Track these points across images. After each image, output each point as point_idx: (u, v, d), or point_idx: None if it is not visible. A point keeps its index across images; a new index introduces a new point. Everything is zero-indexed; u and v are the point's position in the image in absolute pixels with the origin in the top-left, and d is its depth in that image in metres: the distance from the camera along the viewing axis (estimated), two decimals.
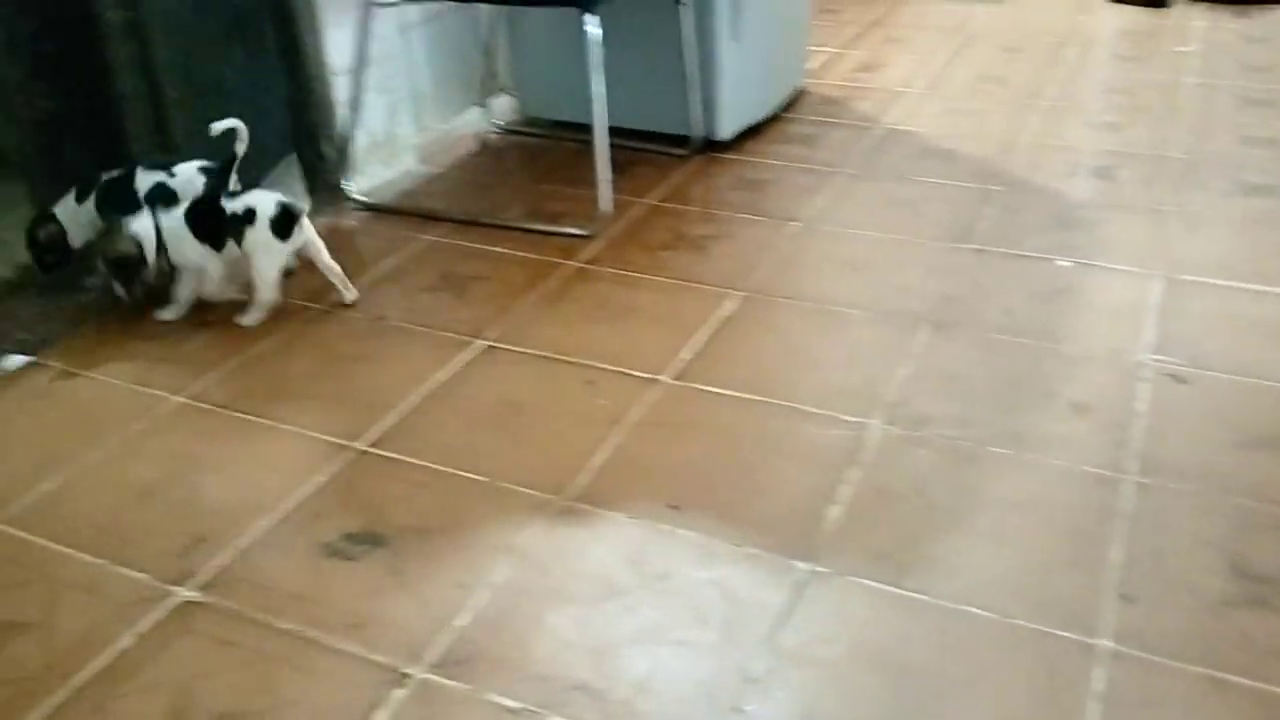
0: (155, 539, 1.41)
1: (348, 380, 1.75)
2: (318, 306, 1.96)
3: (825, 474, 1.50)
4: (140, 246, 1.83)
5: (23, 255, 2.04)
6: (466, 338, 1.85)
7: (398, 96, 2.49)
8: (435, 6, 2.59)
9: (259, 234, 1.85)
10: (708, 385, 1.71)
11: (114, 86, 1.93)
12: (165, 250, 1.86)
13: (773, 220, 2.27)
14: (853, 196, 2.37)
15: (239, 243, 1.86)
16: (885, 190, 2.40)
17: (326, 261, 1.94)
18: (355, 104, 2.32)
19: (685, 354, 1.79)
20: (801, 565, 1.34)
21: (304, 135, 2.30)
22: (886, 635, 1.25)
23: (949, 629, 1.25)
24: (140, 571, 1.35)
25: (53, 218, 1.92)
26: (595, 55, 2.14)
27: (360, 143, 2.38)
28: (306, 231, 1.91)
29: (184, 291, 1.91)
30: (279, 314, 1.93)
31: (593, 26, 2.13)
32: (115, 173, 1.95)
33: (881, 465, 1.52)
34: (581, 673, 1.20)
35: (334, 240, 2.22)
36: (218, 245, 1.87)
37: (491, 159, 2.65)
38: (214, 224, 1.86)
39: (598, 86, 2.17)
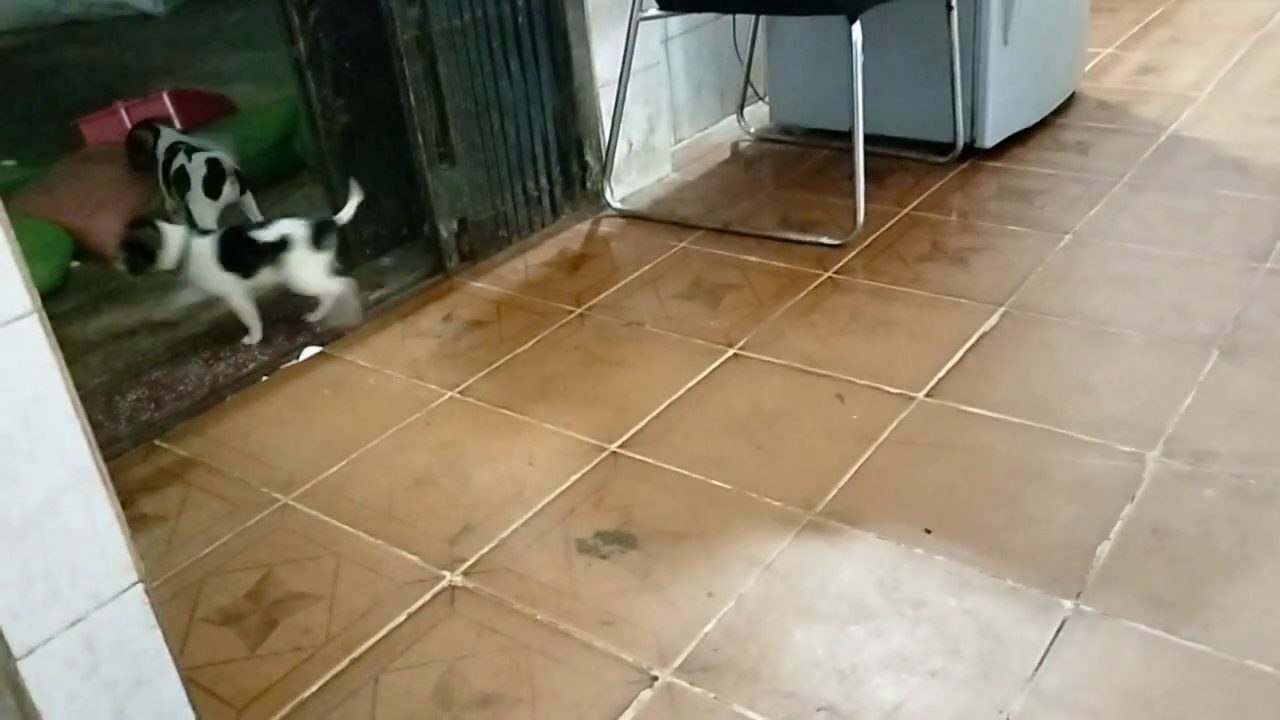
0: (428, 524, 1.51)
1: (603, 383, 1.81)
2: (576, 310, 2.04)
3: (1096, 508, 1.41)
4: (160, 242, 1.93)
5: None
6: (718, 345, 1.87)
7: (657, 106, 2.55)
8: (695, 17, 2.63)
9: (298, 255, 1.97)
10: (966, 405, 1.65)
11: (403, 100, 2.08)
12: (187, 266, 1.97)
13: (1040, 232, 2.16)
14: (1131, 209, 2.22)
15: (276, 268, 1.97)
16: (1168, 203, 2.23)
17: None
18: (617, 114, 2.39)
19: (942, 371, 1.73)
20: (1066, 603, 1.27)
21: (570, 144, 2.39)
22: (1159, 686, 1.16)
23: (1232, 685, 1.15)
24: (414, 554, 1.46)
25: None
26: (857, 63, 2.11)
27: (620, 151, 2.46)
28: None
29: (238, 307, 2.02)
30: (542, 316, 2.03)
31: (857, 34, 2.10)
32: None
33: (1159, 502, 1.41)
34: (828, 694, 1.18)
35: (592, 246, 2.31)
36: (246, 274, 1.98)
37: (745, 167, 2.66)
38: (243, 254, 1.97)
39: (858, 95, 2.13)
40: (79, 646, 0.99)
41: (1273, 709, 1.12)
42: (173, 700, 1.08)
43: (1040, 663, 1.20)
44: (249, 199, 2.36)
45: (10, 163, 2.75)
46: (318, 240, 1.99)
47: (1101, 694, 1.15)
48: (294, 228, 1.98)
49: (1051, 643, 1.22)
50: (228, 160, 2.32)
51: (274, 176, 2.66)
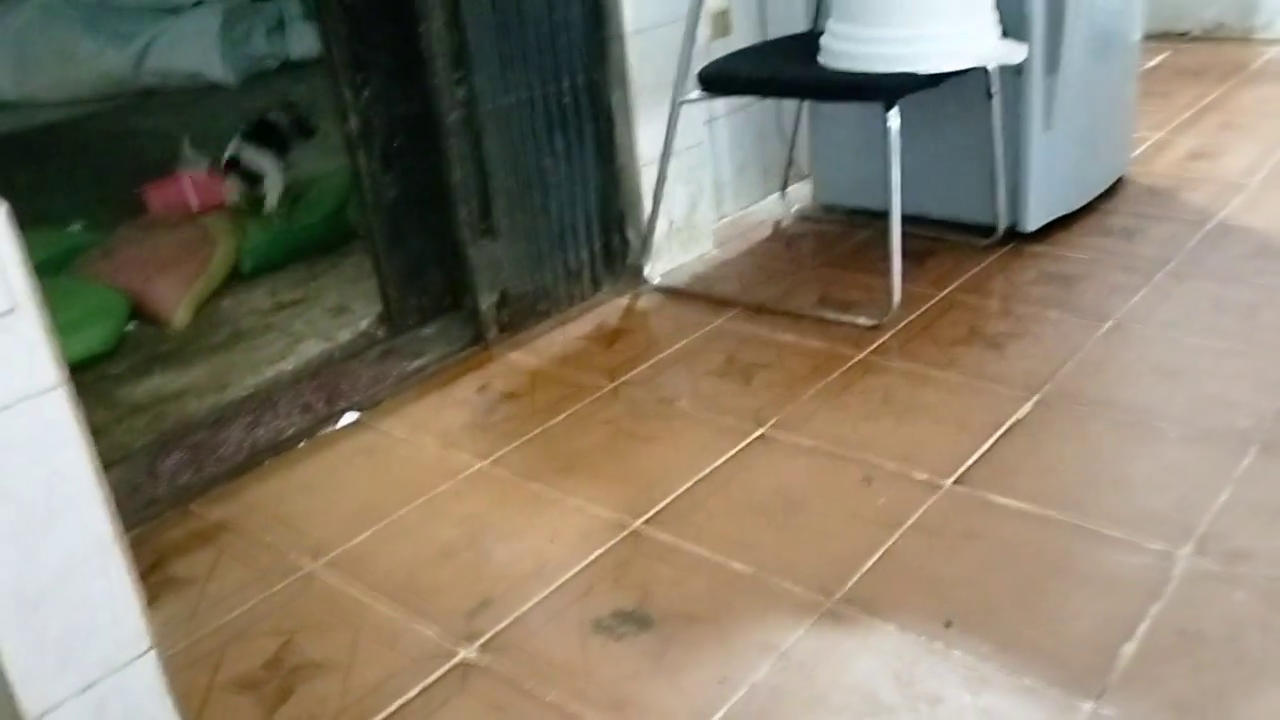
0: (447, 597, 1.52)
1: (631, 459, 1.82)
2: (610, 384, 2.06)
3: (1121, 606, 1.38)
4: None
5: (367, 322, 2.31)
6: (747, 425, 1.87)
7: (699, 185, 2.59)
8: (741, 98, 2.68)
9: None
10: (994, 494, 1.63)
11: (449, 176, 2.14)
12: None
13: (1080, 319, 2.14)
14: (1175, 297, 2.19)
15: None
16: (1213, 291, 2.19)
17: None
18: (659, 192, 2.43)
19: (971, 458, 1.72)
20: (1086, 705, 1.24)
21: (612, 220, 2.43)
22: None
23: None
24: (431, 628, 1.47)
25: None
26: (894, 148, 2.13)
27: (661, 228, 2.49)
28: None
29: None
30: (576, 389, 2.05)
31: (893, 120, 2.12)
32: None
33: (1188, 603, 1.37)
34: None
35: (629, 321, 2.33)
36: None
37: (786, 245, 2.68)
38: None
39: (895, 179, 2.15)
40: (90, 712, 1.02)
41: None
42: None
43: None
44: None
45: (78, 226, 2.87)
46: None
47: None
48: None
49: None
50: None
51: (329, 245, 2.74)
